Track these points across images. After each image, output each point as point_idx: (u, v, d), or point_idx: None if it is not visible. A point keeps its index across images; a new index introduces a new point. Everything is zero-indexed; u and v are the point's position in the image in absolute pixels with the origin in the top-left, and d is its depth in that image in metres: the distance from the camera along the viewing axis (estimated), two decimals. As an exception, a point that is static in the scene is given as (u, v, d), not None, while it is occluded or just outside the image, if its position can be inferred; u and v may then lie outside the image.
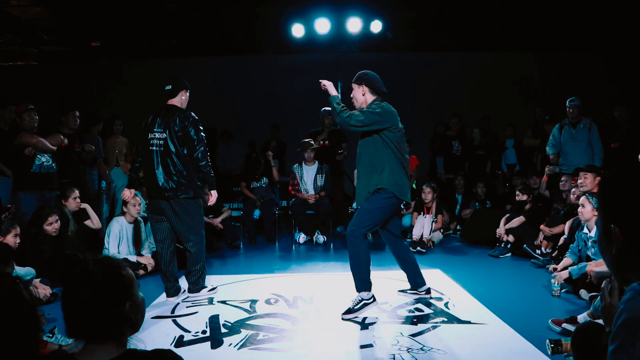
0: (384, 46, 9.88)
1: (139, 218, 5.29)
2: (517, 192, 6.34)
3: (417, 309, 3.86)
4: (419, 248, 6.09)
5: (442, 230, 6.85)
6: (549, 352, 2.41)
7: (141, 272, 4.96)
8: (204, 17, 10.31)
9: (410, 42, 10.44)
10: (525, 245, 5.67)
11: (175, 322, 3.63)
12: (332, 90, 3.87)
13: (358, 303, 3.70)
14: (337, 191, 7.36)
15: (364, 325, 3.52)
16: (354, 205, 6.94)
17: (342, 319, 3.63)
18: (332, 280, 4.82)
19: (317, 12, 8.92)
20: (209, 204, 4.43)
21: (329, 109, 7.26)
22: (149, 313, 3.75)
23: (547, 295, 4.23)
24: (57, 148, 5.32)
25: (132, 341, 1.39)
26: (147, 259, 5.14)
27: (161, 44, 10.99)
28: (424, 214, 6.67)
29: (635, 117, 6.56)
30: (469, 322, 3.54)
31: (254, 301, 4.10)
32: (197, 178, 4.14)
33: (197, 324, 3.57)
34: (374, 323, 3.55)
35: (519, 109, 9.22)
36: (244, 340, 3.23)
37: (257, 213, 7.11)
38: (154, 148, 4.06)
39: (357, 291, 3.76)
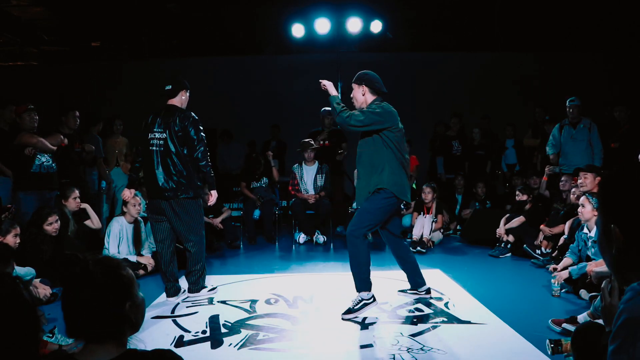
0: (384, 46, 9.88)
1: (139, 218, 5.29)
2: (517, 192, 6.34)
3: (417, 309, 3.86)
4: (419, 248, 6.09)
5: (442, 230, 6.85)
6: (549, 352, 2.41)
7: (141, 272, 4.96)
8: (204, 17, 10.31)
9: (410, 42, 10.44)
10: (525, 245, 5.67)
11: (175, 322, 3.63)
12: (332, 90, 3.87)
13: (358, 303, 3.70)
14: (337, 191, 7.36)
15: (364, 325, 3.52)
16: (354, 205, 6.94)
17: (342, 319, 3.63)
18: (332, 280, 4.82)
19: (317, 12, 8.92)
20: (209, 204, 4.43)
21: (329, 109, 7.26)
22: (149, 313, 3.75)
23: (547, 295, 4.23)
24: (57, 148, 5.32)
25: (132, 341, 1.39)
26: (147, 259, 5.14)
27: (161, 44, 10.99)
28: (424, 214, 6.67)
29: (635, 117, 6.56)
30: (469, 322, 3.54)
31: (254, 301, 4.10)
32: (197, 178, 4.15)
33: (197, 324, 3.57)
34: (374, 323, 3.55)
35: (519, 109, 9.22)
36: (244, 340, 3.23)
37: (257, 213, 7.11)
38: (154, 148, 4.06)
39: (357, 291, 3.76)
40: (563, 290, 4.18)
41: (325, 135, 7.31)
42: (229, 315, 3.74)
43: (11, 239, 4.03)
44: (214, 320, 3.65)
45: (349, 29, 8.99)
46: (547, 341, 2.43)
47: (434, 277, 4.74)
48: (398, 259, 4.11)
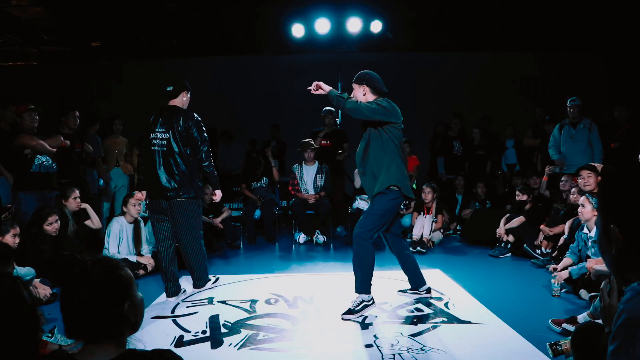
0: (384, 46, 9.88)
1: (139, 218, 5.29)
2: (517, 192, 6.34)
3: (417, 309, 3.86)
4: (419, 248, 6.09)
5: (442, 230, 6.85)
6: (551, 355, 2.41)
7: (141, 272, 4.97)
8: (204, 17, 10.31)
9: (410, 42, 10.44)
10: (525, 245, 5.66)
11: (175, 322, 3.63)
12: (327, 86, 3.83)
13: (359, 304, 3.70)
14: (337, 191, 7.36)
15: (364, 325, 3.52)
16: (354, 205, 6.95)
17: (342, 319, 3.63)
18: (332, 280, 4.82)
19: (317, 12, 8.92)
20: (215, 201, 4.52)
21: (329, 108, 7.33)
22: (149, 313, 3.75)
23: (547, 295, 4.23)
24: (58, 149, 5.32)
25: (132, 341, 1.39)
26: (147, 259, 5.14)
27: (161, 44, 10.99)
28: (424, 214, 6.67)
29: (635, 117, 6.56)
30: (469, 322, 3.54)
31: (254, 301, 4.10)
32: (198, 178, 4.18)
33: (197, 324, 3.57)
34: (374, 323, 3.55)
35: (519, 109, 9.22)
36: (244, 340, 3.23)
37: (257, 213, 7.11)
38: (156, 148, 4.08)
39: (357, 293, 3.75)
40: (563, 290, 4.18)
41: (326, 131, 7.30)
42: (229, 315, 3.74)
43: (10, 239, 4.03)
44: (214, 320, 3.65)
45: (349, 29, 8.99)
46: (547, 345, 2.44)
47: (434, 277, 4.74)
48: (398, 258, 4.11)
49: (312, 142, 6.94)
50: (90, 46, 11.13)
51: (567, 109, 6.41)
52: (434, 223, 6.53)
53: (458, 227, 7.40)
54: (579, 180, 5.05)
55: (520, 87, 9.72)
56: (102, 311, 1.29)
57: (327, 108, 7.34)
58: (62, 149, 5.45)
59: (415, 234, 6.43)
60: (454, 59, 10.17)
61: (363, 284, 3.75)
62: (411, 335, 3.29)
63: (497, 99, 9.58)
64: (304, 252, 6.52)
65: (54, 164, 5.26)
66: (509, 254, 5.92)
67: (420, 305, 3.94)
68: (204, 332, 3.41)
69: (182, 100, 4.22)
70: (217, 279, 4.62)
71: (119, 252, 5.03)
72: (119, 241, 5.09)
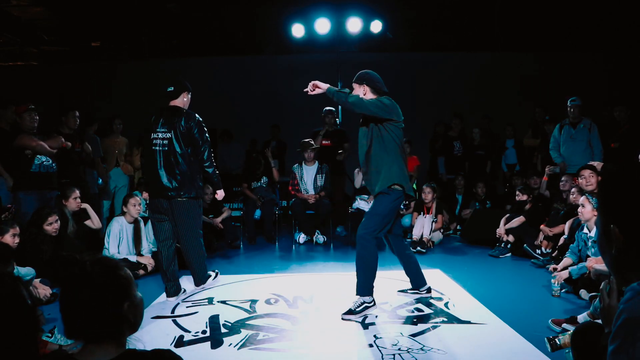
0: (384, 46, 9.88)
1: (139, 218, 5.29)
2: (517, 192, 6.33)
3: (417, 309, 3.86)
4: (419, 248, 6.09)
5: (442, 230, 6.85)
6: (549, 350, 2.42)
7: (141, 272, 4.97)
8: (204, 17, 10.31)
9: (410, 42, 10.44)
10: (525, 245, 5.66)
11: (175, 322, 3.63)
12: (323, 84, 3.80)
13: (360, 305, 3.69)
14: (338, 191, 7.36)
15: (364, 325, 3.51)
16: (354, 205, 6.95)
17: (342, 318, 3.63)
18: (332, 280, 4.82)
19: (317, 12, 8.92)
20: (219, 199, 4.55)
21: (330, 108, 7.33)
22: (149, 313, 3.76)
23: (547, 295, 4.23)
24: (58, 150, 5.32)
25: (132, 341, 1.39)
26: (147, 259, 5.14)
27: (161, 44, 10.99)
28: (424, 214, 6.67)
29: (635, 117, 6.56)
30: (469, 322, 3.54)
31: (254, 301, 4.10)
32: (199, 178, 4.19)
33: (197, 324, 3.57)
34: (374, 323, 3.55)
35: (519, 109, 9.22)
36: (244, 340, 3.23)
37: (257, 213, 7.11)
38: (157, 148, 4.09)
39: (359, 295, 3.75)
40: (563, 290, 4.18)
41: (326, 131, 7.30)
42: (229, 315, 3.74)
43: (10, 239, 4.03)
44: (214, 320, 3.64)
45: (349, 29, 8.99)
46: (546, 339, 2.44)
47: (434, 277, 4.74)
48: (400, 259, 4.11)
49: (312, 142, 6.94)
50: (90, 46, 11.13)
51: (568, 109, 6.41)
52: (434, 223, 6.53)
53: (458, 227, 7.40)
54: (581, 180, 5.05)
55: (520, 87, 9.72)
56: (102, 311, 1.29)
57: (328, 108, 7.34)
58: (63, 149, 5.45)
59: (415, 234, 6.43)
60: (454, 59, 10.17)
61: (365, 287, 3.75)
62: (411, 335, 3.29)
63: (497, 99, 9.57)
64: (304, 252, 6.52)
65: (54, 164, 5.26)
66: (509, 254, 5.92)
67: (420, 305, 3.94)
68: (204, 332, 3.41)
69: (183, 100, 4.23)
70: (217, 274, 4.70)
71: (119, 252, 5.03)
72: (119, 241, 5.09)
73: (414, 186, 7.40)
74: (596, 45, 9.96)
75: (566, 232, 5.07)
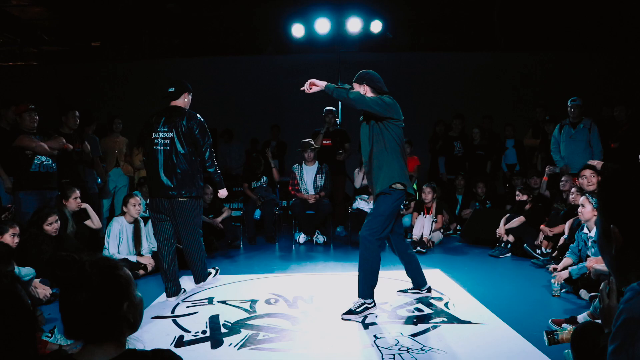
0: (384, 46, 9.88)
1: (139, 218, 5.29)
2: (517, 192, 6.33)
3: (417, 309, 3.86)
4: (419, 248, 6.09)
5: (442, 230, 6.85)
6: (546, 343, 2.42)
7: (141, 272, 4.97)
8: (204, 17, 10.31)
9: (410, 42, 10.44)
10: (525, 245, 5.66)
11: (175, 322, 3.63)
12: (321, 82, 3.78)
13: (360, 306, 3.69)
14: (338, 191, 7.36)
15: (364, 325, 3.51)
16: (354, 205, 6.95)
17: (342, 318, 3.63)
18: (332, 280, 4.82)
19: (317, 12, 8.91)
20: (222, 198, 4.59)
21: (331, 108, 7.33)
22: (149, 313, 3.76)
23: (547, 295, 4.23)
24: (58, 150, 5.33)
25: (132, 341, 1.39)
26: (147, 259, 5.14)
27: (161, 44, 10.99)
28: (424, 214, 6.67)
29: (635, 117, 6.56)
30: (469, 322, 3.54)
31: (254, 301, 4.10)
32: (200, 178, 4.20)
33: (197, 324, 3.57)
34: (374, 323, 3.55)
35: (519, 109, 9.22)
36: (244, 340, 3.23)
37: (257, 213, 7.11)
38: (159, 147, 4.10)
39: (360, 297, 3.74)
40: (563, 290, 4.18)
41: (327, 130, 7.30)
42: (229, 315, 3.74)
43: (9, 238, 4.03)
44: (214, 320, 3.64)
45: (349, 29, 8.98)
46: (544, 332, 2.45)
47: (434, 277, 4.74)
48: (402, 258, 4.11)
49: (312, 142, 6.94)
50: (90, 46, 11.14)
51: (568, 109, 6.40)
52: (434, 223, 6.53)
53: (458, 227, 7.40)
54: (582, 181, 5.06)
55: (520, 87, 9.72)
56: (101, 312, 1.29)
57: (328, 107, 7.35)
58: (63, 150, 5.45)
59: (415, 234, 6.43)
60: (454, 59, 10.17)
61: (366, 289, 3.74)
62: (411, 335, 3.29)
63: (497, 99, 9.57)
64: (304, 252, 6.52)
65: (54, 164, 5.26)
66: (509, 254, 5.92)
67: (420, 305, 3.94)
68: (204, 332, 3.41)
69: (183, 101, 4.25)
70: (217, 271, 4.74)
71: (119, 252, 5.03)
72: (119, 241, 5.09)
73: (415, 186, 7.40)
74: (596, 45, 9.96)
75: (566, 232, 5.07)
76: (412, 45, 10.44)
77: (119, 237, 5.09)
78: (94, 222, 5.42)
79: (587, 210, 4.24)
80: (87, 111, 6.73)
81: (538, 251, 5.49)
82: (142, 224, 5.32)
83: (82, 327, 1.30)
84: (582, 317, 3.26)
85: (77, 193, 5.16)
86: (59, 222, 4.59)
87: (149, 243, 5.34)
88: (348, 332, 3.41)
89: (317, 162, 6.98)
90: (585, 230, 4.31)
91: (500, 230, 6.05)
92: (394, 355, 2.94)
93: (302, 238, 6.87)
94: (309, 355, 3.04)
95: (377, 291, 3.84)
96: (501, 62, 10.00)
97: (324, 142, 7.25)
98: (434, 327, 3.44)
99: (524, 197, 6.20)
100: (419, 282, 4.15)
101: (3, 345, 1.17)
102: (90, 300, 1.28)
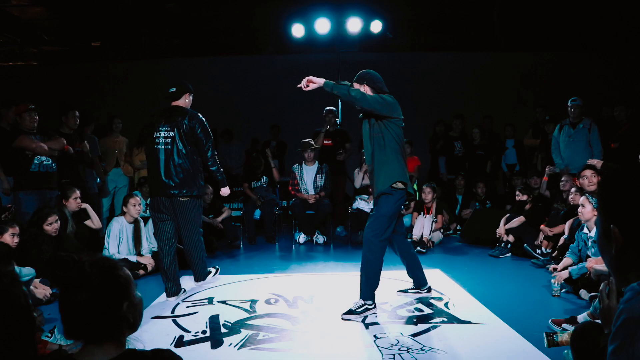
0: (384, 46, 9.88)
1: (139, 218, 5.29)
2: (517, 192, 6.33)
3: (417, 309, 3.86)
4: (419, 248, 6.08)
5: (442, 230, 6.85)
6: (545, 345, 2.42)
7: (141, 272, 4.97)
8: (204, 17, 10.31)
9: (410, 42, 10.44)
10: (525, 245, 5.66)
11: (175, 322, 3.63)
12: (318, 79, 3.75)
13: (360, 307, 3.68)
14: (338, 191, 7.35)
15: (364, 325, 3.51)
16: (354, 205, 6.95)
17: (342, 318, 3.63)
18: (332, 280, 4.82)
19: (317, 12, 8.91)
20: (224, 196, 4.58)
21: (331, 107, 7.33)
22: (149, 313, 3.76)
23: (547, 295, 4.23)
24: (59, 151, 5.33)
25: (132, 341, 1.39)
26: (147, 259, 5.14)
27: (161, 44, 10.99)
28: (424, 214, 6.66)
29: (635, 117, 6.56)
30: (469, 322, 3.54)
31: (254, 301, 4.10)
32: (201, 177, 4.21)
33: (197, 324, 3.57)
34: (374, 323, 3.55)
35: (519, 109, 9.22)
36: (244, 340, 3.23)
37: (257, 213, 7.11)
38: (160, 146, 4.11)
39: (362, 299, 3.73)
40: (563, 290, 4.18)
41: (327, 130, 7.30)
42: (229, 315, 3.74)
43: (9, 238, 4.03)
44: (214, 320, 3.64)
45: (349, 29, 8.98)
46: (544, 334, 2.45)
47: (434, 277, 4.73)
48: (403, 258, 4.11)
49: (312, 142, 6.94)
50: (90, 46, 11.14)
51: (568, 109, 6.40)
52: (434, 223, 6.53)
53: (458, 227, 7.40)
54: (583, 181, 5.05)
55: (520, 87, 9.72)
56: (101, 312, 1.29)
57: (329, 107, 7.35)
58: (63, 152, 5.45)
59: (415, 234, 6.43)
60: (454, 59, 10.17)
61: (368, 290, 3.74)
62: (411, 335, 3.29)
63: (497, 99, 9.57)
64: (304, 252, 6.52)
65: (53, 164, 5.26)
66: (509, 254, 5.92)
67: (420, 305, 3.94)
68: (204, 332, 3.41)
69: (184, 102, 4.26)
70: (217, 270, 4.75)
71: (119, 252, 5.03)
72: (119, 241, 5.09)
73: (415, 186, 7.40)
74: (596, 45, 9.96)
75: (566, 232, 5.07)
76: (412, 45, 10.44)
77: (119, 237, 5.09)
78: (94, 222, 5.42)
79: (587, 210, 4.24)
80: (86, 111, 6.73)
81: (538, 251, 5.49)
82: (142, 224, 5.32)
83: (82, 327, 1.30)
84: (582, 317, 3.26)
85: (77, 193, 5.16)
86: (59, 222, 4.59)
87: (149, 243, 5.34)
88: (348, 332, 3.41)
89: (317, 162, 6.97)
90: (585, 230, 4.31)
91: (500, 230, 6.05)
92: (394, 355, 2.94)
93: (302, 238, 6.87)
94: (309, 355, 3.04)
95: (378, 291, 3.84)
96: (501, 62, 10.00)
97: (325, 141, 7.24)
98: (434, 327, 3.44)
99: (524, 197, 6.20)
100: (420, 282, 4.16)
101: (3, 345, 1.17)
102: (90, 300, 1.28)
